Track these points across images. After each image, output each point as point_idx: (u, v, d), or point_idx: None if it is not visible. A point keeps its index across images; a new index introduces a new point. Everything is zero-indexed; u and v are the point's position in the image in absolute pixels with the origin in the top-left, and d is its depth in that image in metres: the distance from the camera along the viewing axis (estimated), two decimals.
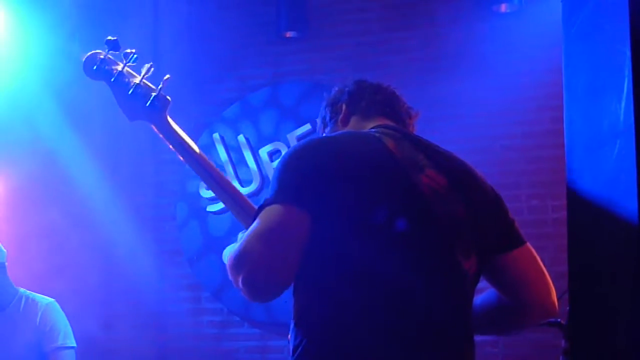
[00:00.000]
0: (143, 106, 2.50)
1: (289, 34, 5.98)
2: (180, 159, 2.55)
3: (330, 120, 2.49)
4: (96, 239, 5.87)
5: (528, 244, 2.31)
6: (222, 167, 5.98)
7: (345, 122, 2.44)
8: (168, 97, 2.53)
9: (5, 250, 4.31)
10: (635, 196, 2.17)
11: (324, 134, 2.50)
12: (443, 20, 5.70)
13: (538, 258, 2.31)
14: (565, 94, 2.53)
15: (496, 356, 5.35)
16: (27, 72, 5.69)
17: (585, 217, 2.43)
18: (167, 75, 2.54)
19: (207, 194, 6.01)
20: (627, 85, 2.10)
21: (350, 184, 2.03)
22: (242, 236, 2.04)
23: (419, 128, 5.78)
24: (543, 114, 5.40)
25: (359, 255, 2.01)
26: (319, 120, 2.55)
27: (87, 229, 5.87)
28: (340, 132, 2.30)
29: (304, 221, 1.99)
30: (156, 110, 2.50)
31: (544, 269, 2.31)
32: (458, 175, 2.21)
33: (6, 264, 4.27)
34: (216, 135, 6.08)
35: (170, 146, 2.52)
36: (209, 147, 6.07)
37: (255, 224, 2.00)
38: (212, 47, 6.17)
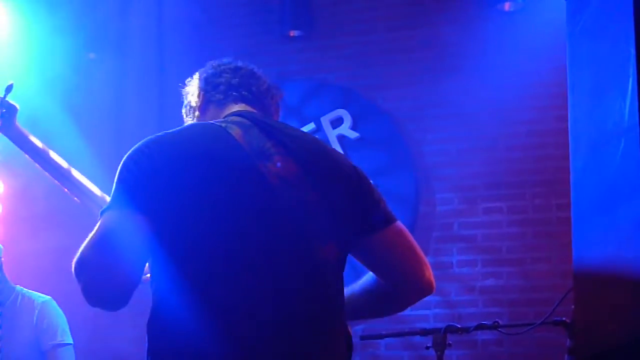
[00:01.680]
0: None
1: (293, 33, 5.98)
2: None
3: (190, 109, 2.40)
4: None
5: (398, 222, 2.20)
6: None
7: (204, 110, 2.36)
8: (15, 104, 2.51)
9: (2, 246, 4.30)
10: None
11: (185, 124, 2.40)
12: (447, 19, 5.70)
13: (410, 237, 2.21)
14: (569, 92, 2.53)
15: (501, 355, 5.35)
16: (30, 74, 5.70)
17: (590, 215, 2.43)
18: (11, 81, 2.52)
19: None
20: (631, 83, 2.10)
21: (189, 181, 1.99)
22: (83, 244, 2.01)
23: (423, 127, 5.77)
24: (547, 112, 5.40)
25: (202, 254, 1.98)
26: (182, 110, 2.46)
27: (88, 229, 5.87)
28: (182, 126, 2.22)
29: (140, 225, 1.96)
30: (3, 118, 2.50)
31: (417, 247, 2.21)
32: (311, 159, 2.13)
33: (2, 259, 4.26)
34: None
35: (24, 153, 2.52)
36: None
37: (93, 232, 1.98)
38: (217, 46, 6.17)
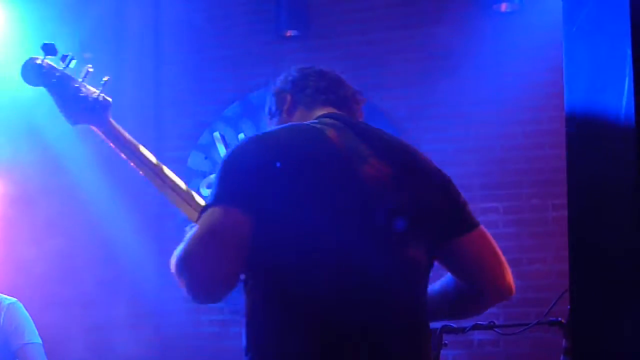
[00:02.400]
0: (84, 109, 2.48)
1: (289, 33, 5.98)
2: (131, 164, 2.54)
3: (276, 111, 2.43)
4: (97, 238, 5.87)
5: (481, 227, 2.26)
6: None
7: (291, 113, 2.39)
8: (109, 98, 2.51)
9: None
10: (636, 195, 2.17)
11: (271, 126, 2.44)
12: (444, 19, 5.70)
13: (492, 241, 2.28)
14: (565, 93, 2.53)
15: (497, 355, 5.36)
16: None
17: (586, 215, 2.43)
18: (106, 77, 2.52)
19: (206, 192, 6.01)
20: (627, 84, 2.10)
21: (291, 180, 2.02)
22: (185, 237, 2.03)
23: (420, 127, 5.79)
24: (543, 113, 5.40)
25: (301, 254, 2.00)
26: (265, 112, 2.49)
27: (88, 228, 5.87)
28: (280, 126, 2.27)
29: (245, 222, 1.98)
30: (97, 112, 2.49)
31: (499, 251, 2.27)
32: (403, 162, 2.18)
33: None
34: (217, 134, 6.08)
35: (114, 147, 2.52)
36: (210, 146, 6.08)
37: (196, 227, 2.00)
38: (213, 46, 6.17)
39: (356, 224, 2.05)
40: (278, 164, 2.03)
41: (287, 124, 2.27)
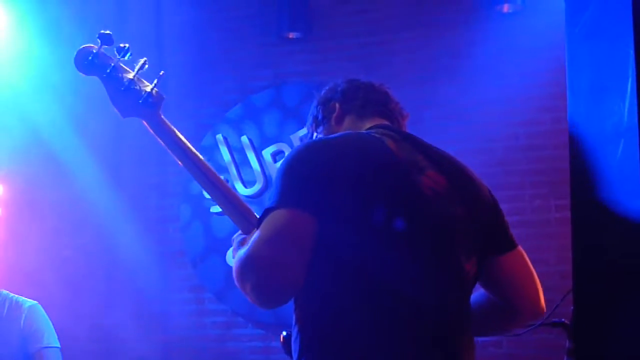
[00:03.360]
0: (136, 102, 2.46)
1: (291, 35, 5.98)
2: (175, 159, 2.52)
3: (323, 119, 2.44)
4: (99, 241, 5.88)
5: (520, 247, 2.31)
6: (226, 169, 5.99)
7: (340, 122, 2.40)
8: (162, 94, 2.49)
9: None
10: (639, 195, 2.17)
11: (315, 134, 2.46)
12: (446, 21, 5.70)
13: (529, 261, 2.32)
14: (568, 94, 2.53)
15: (500, 357, 5.35)
16: (28, 78, 5.69)
17: (589, 216, 2.43)
18: (162, 72, 2.50)
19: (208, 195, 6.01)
20: (630, 85, 2.10)
21: (353, 186, 2.01)
22: (248, 242, 2.01)
23: (422, 128, 5.82)
24: (546, 114, 5.40)
25: (362, 258, 2.00)
26: (309, 119, 2.50)
27: (90, 231, 5.88)
28: (340, 133, 2.26)
29: (310, 225, 1.97)
30: (150, 106, 2.47)
31: (534, 272, 2.32)
32: (457, 176, 2.21)
33: None
34: (219, 137, 6.08)
35: (163, 144, 2.49)
36: (212, 148, 6.08)
37: (260, 230, 1.98)
38: (215, 48, 6.18)
39: (415, 233, 2.05)
40: (342, 166, 2.03)
41: (345, 132, 2.27)
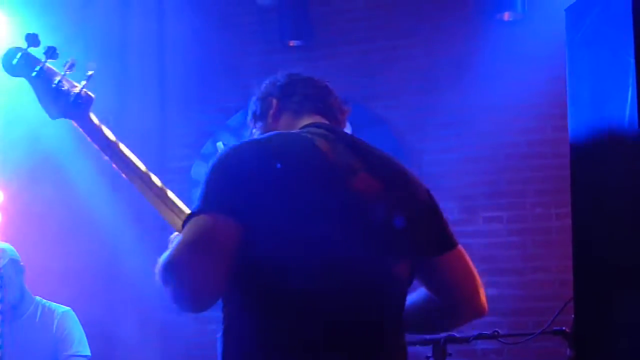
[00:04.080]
0: (66, 103, 2.42)
1: (292, 43, 5.99)
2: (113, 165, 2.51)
3: (261, 115, 2.39)
4: (100, 248, 5.88)
5: (460, 247, 2.26)
6: None
7: (277, 118, 2.35)
8: (91, 94, 2.47)
9: (20, 258, 4.34)
10: None
11: (254, 130, 2.41)
12: (446, 29, 5.71)
13: (470, 261, 2.27)
14: (569, 102, 2.54)
15: None
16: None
17: (590, 224, 2.43)
18: (91, 71, 2.47)
19: None
20: (631, 93, 2.10)
21: (281, 190, 1.99)
22: (171, 245, 1.99)
23: (423, 136, 5.77)
24: (547, 121, 5.40)
25: (287, 263, 1.97)
26: (249, 115, 2.45)
27: (90, 238, 5.87)
28: (270, 133, 2.21)
29: (233, 230, 1.94)
30: (79, 107, 2.43)
31: (475, 271, 2.28)
32: (391, 178, 2.17)
33: (25, 271, 4.31)
34: (220, 144, 6.06)
35: (94, 144, 2.48)
36: (213, 156, 6.07)
37: (182, 234, 1.96)
38: (217, 56, 6.19)
39: (343, 237, 2.02)
40: (269, 170, 2.00)
41: (274, 132, 2.22)
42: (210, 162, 2.07)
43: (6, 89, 5.60)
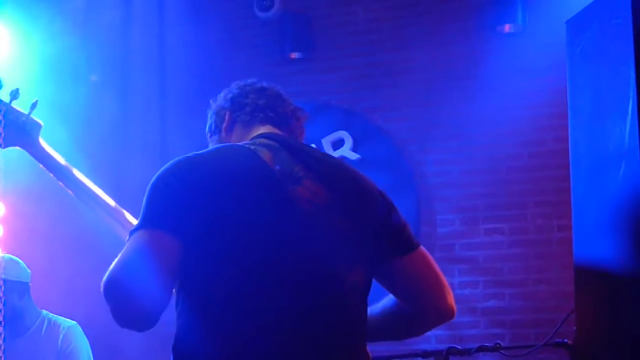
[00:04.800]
0: (13, 132, 2.47)
1: (294, 55, 6.00)
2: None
3: (215, 129, 2.40)
4: (100, 258, 5.86)
5: (421, 247, 2.21)
6: None
7: (229, 131, 2.35)
8: (39, 121, 2.51)
9: (29, 270, 4.32)
10: None
11: (210, 144, 2.40)
12: (447, 41, 5.72)
13: (432, 261, 2.23)
14: (570, 114, 2.54)
15: None
16: (32, 97, 5.70)
17: (591, 236, 2.43)
18: (36, 99, 2.51)
19: None
20: (631, 106, 2.11)
21: (221, 204, 1.98)
22: (113, 262, 1.98)
23: (425, 148, 5.77)
24: (548, 134, 5.41)
25: (230, 278, 1.96)
26: (206, 130, 2.46)
27: (91, 249, 5.86)
28: (210, 148, 2.22)
29: (171, 246, 1.93)
30: (27, 134, 2.48)
31: (440, 273, 2.22)
32: (338, 184, 2.14)
33: (30, 284, 4.28)
34: None
35: (44, 168, 2.51)
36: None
37: (122, 251, 1.95)
38: (218, 68, 6.19)
39: (288, 247, 2.01)
40: (209, 184, 1.99)
41: (217, 146, 2.23)
42: (153, 178, 2.06)
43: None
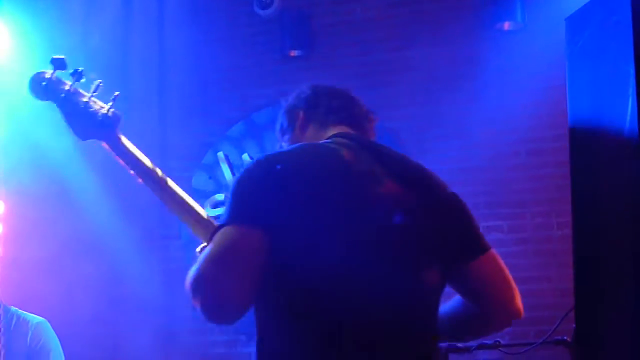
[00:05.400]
0: (94, 124, 2.43)
1: (293, 53, 6.00)
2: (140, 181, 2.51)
3: (288, 127, 2.41)
4: (101, 259, 5.88)
5: (492, 250, 2.26)
6: (227, 186, 5.98)
7: (303, 130, 2.37)
8: (119, 113, 2.45)
9: None
10: None
11: (282, 143, 2.43)
12: (446, 39, 5.71)
13: (503, 264, 2.26)
14: (569, 111, 2.54)
15: None
16: (29, 98, 5.69)
17: (591, 234, 2.43)
18: (117, 92, 2.49)
19: (212, 212, 6.01)
20: (630, 103, 2.11)
21: (306, 201, 2.00)
22: (199, 258, 2.00)
23: (424, 147, 5.79)
24: (547, 131, 5.40)
25: (316, 274, 1.98)
26: (277, 128, 2.47)
27: (92, 249, 5.87)
28: (295, 145, 2.24)
29: (260, 241, 1.96)
30: (107, 127, 2.44)
31: (509, 275, 2.26)
32: (416, 185, 2.18)
33: None
34: (221, 154, 6.09)
35: (123, 163, 2.50)
36: (214, 166, 6.08)
37: (210, 246, 1.97)
38: (217, 66, 6.19)
39: (371, 246, 2.03)
40: (295, 181, 2.02)
41: (300, 144, 2.25)
42: (237, 175, 2.09)
43: (9, 101, 5.62)
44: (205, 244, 2.29)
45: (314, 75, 5.97)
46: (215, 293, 1.94)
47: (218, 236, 1.98)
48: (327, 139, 2.26)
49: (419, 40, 5.79)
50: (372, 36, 5.93)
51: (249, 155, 6.03)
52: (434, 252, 2.13)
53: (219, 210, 5.97)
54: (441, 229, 2.15)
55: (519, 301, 2.25)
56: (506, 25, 5.54)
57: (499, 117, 5.49)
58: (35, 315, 4.31)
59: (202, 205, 6.11)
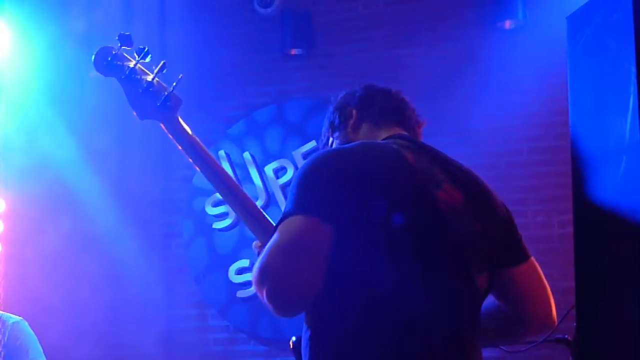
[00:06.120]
0: (154, 105, 2.42)
1: (294, 51, 6.00)
2: (194, 169, 2.50)
3: (340, 124, 2.41)
4: (102, 257, 5.88)
5: (533, 258, 2.29)
6: None
7: (356, 128, 2.37)
8: (180, 97, 2.46)
9: None
10: None
11: (331, 140, 2.43)
12: (448, 37, 5.71)
13: (541, 273, 2.30)
14: (570, 110, 2.54)
15: None
16: (32, 91, 5.70)
17: (592, 232, 2.43)
18: (181, 75, 2.48)
19: (213, 211, 6.02)
20: (632, 101, 2.10)
21: (369, 196, 2.00)
22: (264, 249, 1.99)
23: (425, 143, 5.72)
24: (549, 130, 5.41)
25: (372, 270, 1.99)
26: (325, 124, 2.46)
27: (93, 247, 5.87)
28: (357, 142, 2.22)
29: (325, 232, 1.95)
30: (167, 109, 2.43)
31: (546, 284, 2.30)
32: (472, 190, 2.19)
33: None
34: (222, 153, 6.09)
35: (179, 147, 2.48)
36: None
37: (276, 236, 1.97)
38: (218, 64, 6.19)
39: (429, 247, 2.04)
40: (360, 177, 2.02)
41: (362, 141, 2.24)
42: (302, 166, 2.08)
43: (9, 99, 5.62)
44: (257, 241, 2.30)
45: (315, 73, 5.97)
46: (283, 282, 1.94)
47: (285, 225, 1.98)
48: (384, 139, 2.26)
49: (420, 38, 5.79)
50: (373, 34, 5.93)
51: (250, 153, 6.03)
52: (485, 256, 2.14)
53: (220, 209, 5.98)
54: (491, 234, 2.16)
55: (554, 311, 2.29)
56: (507, 24, 5.54)
57: (499, 115, 5.49)
58: (12, 315, 4.30)
59: (203, 204, 6.16)
